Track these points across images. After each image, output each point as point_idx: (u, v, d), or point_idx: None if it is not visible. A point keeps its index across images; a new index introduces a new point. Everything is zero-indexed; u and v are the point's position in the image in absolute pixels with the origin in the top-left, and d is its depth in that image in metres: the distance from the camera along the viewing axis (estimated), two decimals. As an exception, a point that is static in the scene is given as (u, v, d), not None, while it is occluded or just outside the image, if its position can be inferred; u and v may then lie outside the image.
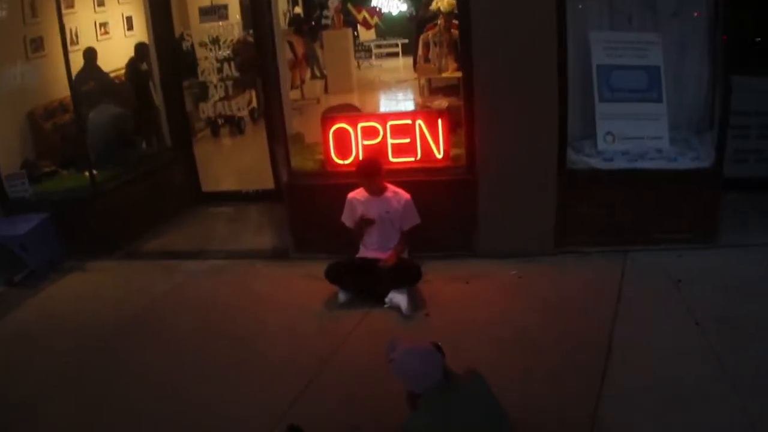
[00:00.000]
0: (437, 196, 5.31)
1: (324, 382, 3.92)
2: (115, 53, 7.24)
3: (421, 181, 5.32)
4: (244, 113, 8.72)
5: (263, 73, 5.72)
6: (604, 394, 3.56)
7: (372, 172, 4.89)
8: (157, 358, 4.32)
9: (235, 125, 9.08)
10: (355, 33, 13.16)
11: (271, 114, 5.68)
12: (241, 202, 7.05)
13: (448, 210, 5.37)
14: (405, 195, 4.98)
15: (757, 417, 3.27)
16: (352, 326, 4.53)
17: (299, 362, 4.12)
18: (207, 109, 7.18)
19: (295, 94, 10.24)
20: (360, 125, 5.43)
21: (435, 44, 9.24)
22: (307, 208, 5.60)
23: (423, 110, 6.57)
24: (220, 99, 6.99)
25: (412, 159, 5.44)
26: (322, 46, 12.02)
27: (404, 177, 5.25)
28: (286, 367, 4.10)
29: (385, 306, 4.74)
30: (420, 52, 9.69)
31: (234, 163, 8.29)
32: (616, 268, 4.96)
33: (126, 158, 6.55)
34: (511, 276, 5.05)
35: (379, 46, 14.75)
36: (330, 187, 5.40)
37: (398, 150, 5.43)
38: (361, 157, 5.35)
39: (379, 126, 5.41)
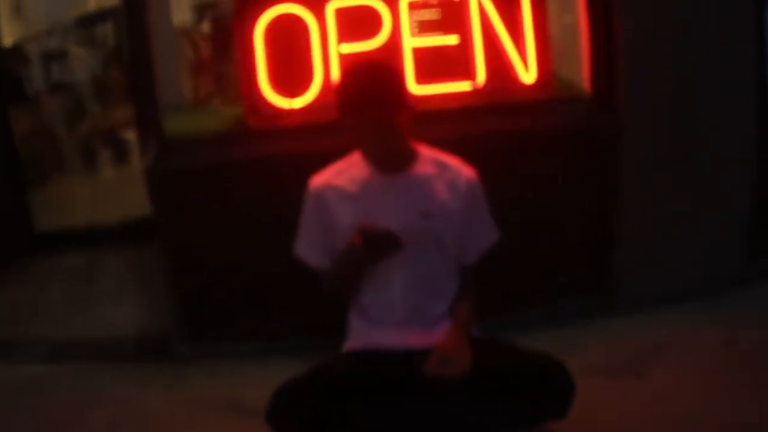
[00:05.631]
0: (526, 165, 2.30)
1: None
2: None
3: (488, 132, 2.27)
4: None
5: None
6: None
7: (381, 94, 1.61)
8: None
9: (116, 149, 6.27)
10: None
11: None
12: (100, 246, 4.50)
13: (553, 198, 2.36)
14: (465, 170, 1.75)
15: None
16: None
17: None
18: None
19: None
20: (333, 5, 2.19)
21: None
22: (207, 228, 2.29)
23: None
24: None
25: (465, 84, 2.30)
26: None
27: (446, 125, 2.24)
28: None
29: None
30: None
31: (99, 190, 5.43)
32: None
33: None
34: (712, 344, 2.26)
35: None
36: (260, 166, 2.23)
37: (430, 64, 2.27)
38: (344, 74, 2.11)
39: (381, 6, 2.21)
